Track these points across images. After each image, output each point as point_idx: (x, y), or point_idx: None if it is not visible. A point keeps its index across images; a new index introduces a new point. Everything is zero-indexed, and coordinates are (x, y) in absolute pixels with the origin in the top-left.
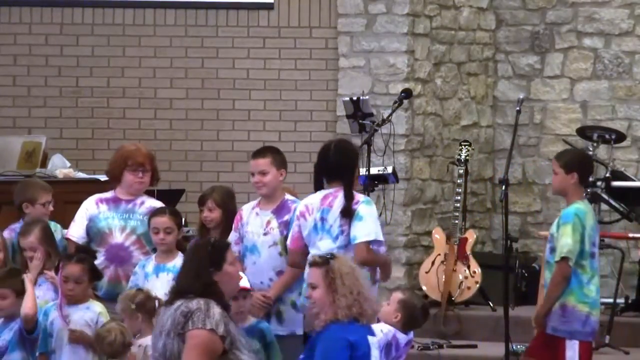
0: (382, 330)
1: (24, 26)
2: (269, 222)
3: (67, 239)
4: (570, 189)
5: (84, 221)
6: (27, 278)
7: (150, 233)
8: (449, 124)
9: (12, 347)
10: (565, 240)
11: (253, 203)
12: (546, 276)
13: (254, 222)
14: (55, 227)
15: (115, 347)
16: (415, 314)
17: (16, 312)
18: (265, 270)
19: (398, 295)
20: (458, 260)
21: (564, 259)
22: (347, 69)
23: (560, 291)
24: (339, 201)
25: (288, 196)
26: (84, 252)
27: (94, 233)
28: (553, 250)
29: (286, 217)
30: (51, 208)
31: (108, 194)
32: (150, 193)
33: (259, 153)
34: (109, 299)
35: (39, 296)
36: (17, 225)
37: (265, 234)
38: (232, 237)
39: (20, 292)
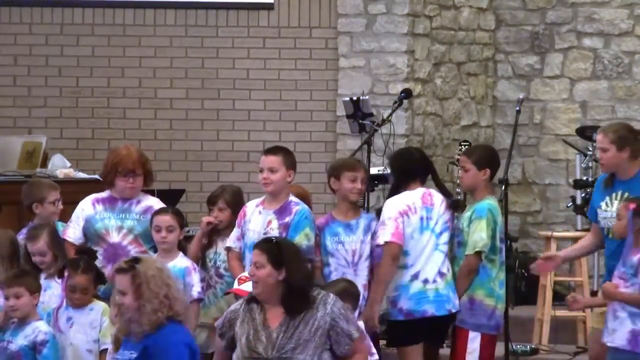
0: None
1: (24, 26)
2: (270, 222)
3: (64, 240)
4: (481, 185)
5: (81, 222)
6: None
7: (151, 231)
8: (449, 124)
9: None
10: (480, 235)
11: (257, 201)
12: (454, 270)
13: (256, 221)
14: (63, 226)
15: None
16: (354, 292)
17: (30, 314)
18: None
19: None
20: None
21: (478, 252)
22: (347, 69)
23: (468, 284)
24: (437, 199)
25: (292, 197)
26: (85, 253)
27: (91, 234)
28: (461, 244)
29: (287, 219)
30: (60, 206)
31: (104, 194)
32: (150, 193)
33: (271, 150)
34: (107, 298)
35: (44, 301)
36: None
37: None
38: (235, 233)
39: (34, 291)
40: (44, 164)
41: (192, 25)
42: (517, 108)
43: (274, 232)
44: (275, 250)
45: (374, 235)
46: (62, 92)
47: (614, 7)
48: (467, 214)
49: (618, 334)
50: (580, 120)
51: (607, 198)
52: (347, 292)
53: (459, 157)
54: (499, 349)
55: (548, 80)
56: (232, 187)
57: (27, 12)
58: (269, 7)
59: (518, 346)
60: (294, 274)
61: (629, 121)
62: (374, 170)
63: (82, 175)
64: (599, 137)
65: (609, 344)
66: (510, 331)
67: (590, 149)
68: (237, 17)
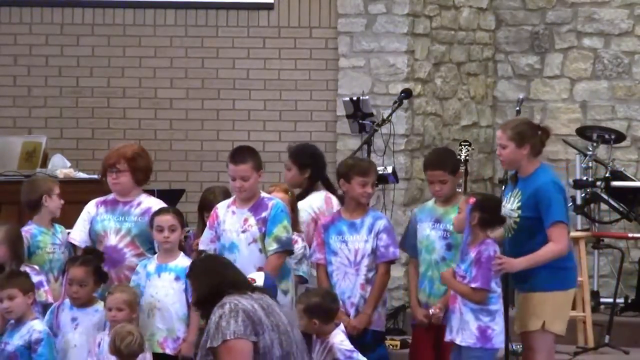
0: (343, 341)
1: (24, 26)
2: (246, 220)
3: (70, 243)
4: (455, 190)
5: (87, 224)
6: None
7: (148, 233)
8: (449, 124)
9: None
10: None
11: (228, 201)
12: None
13: (231, 221)
14: (60, 228)
15: (132, 349)
16: (326, 307)
17: (26, 314)
18: (246, 267)
19: (299, 308)
20: None
21: None
22: (347, 69)
23: None
24: (335, 202)
25: (264, 194)
26: (91, 254)
27: (93, 236)
28: (451, 246)
29: (264, 214)
30: (62, 201)
31: (110, 196)
32: (150, 193)
33: (239, 158)
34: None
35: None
36: (30, 227)
37: (243, 232)
38: (207, 235)
39: (27, 291)
40: (44, 164)
41: (192, 25)
42: (517, 108)
43: (253, 228)
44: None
45: (379, 234)
46: (62, 92)
47: (614, 7)
48: (454, 216)
49: (467, 333)
50: (580, 120)
51: (508, 195)
52: (318, 306)
53: (458, 157)
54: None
55: (548, 80)
56: (219, 188)
57: (27, 12)
58: (269, 7)
59: (518, 346)
60: (194, 290)
61: (629, 121)
62: None
63: (82, 175)
64: (498, 133)
65: (459, 343)
66: (511, 331)
67: (590, 149)
68: (237, 17)
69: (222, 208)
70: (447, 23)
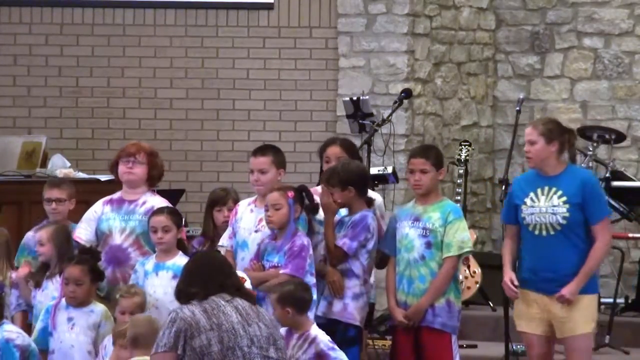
0: (324, 334)
1: (24, 26)
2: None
3: (76, 241)
4: (437, 185)
5: (92, 223)
6: None
7: (149, 232)
8: (449, 124)
9: None
10: (466, 235)
11: (250, 199)
12: (422, 272)
13: (248, 219)
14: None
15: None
16: (298, 297)
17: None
18: None
19: (272, 298)
20: None
21: (463, 254)
22: (347, 69)
23: (447, 287)
24: None
25: None
26: (88, 253)
27: (99, 235)
28: (431, 245)
29: None
30: (54, 206)
31: (116, 195)
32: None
33: (260, 151)
34: (107, 300)
35: (42, 301)
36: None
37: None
38: (227, 231)
39: None
40: (44, 164)
41: (192, 25)
42: (518, 108)
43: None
44: None
45: (350, 227)
46: (62, 92)
47: (614, 7)
48: (433, 214)
49: None
50: (581, 120)
51: (532, 194)
52: (291, 294)
53: (458, 157)
54: (499, 349)
55: (548, 80)
56: (230, 187)
57: (27, 12)
58: (269, 7)
59: (518, 346)
60: (181, 279)
61: (629, 121)
62: (374, 170)
63: (81, 175)
64: (527, 130)
65: None
66: (510, 331)
67: (591, 149)
68: (237, 17)
69: (243, 205)
70: (447, 23)
